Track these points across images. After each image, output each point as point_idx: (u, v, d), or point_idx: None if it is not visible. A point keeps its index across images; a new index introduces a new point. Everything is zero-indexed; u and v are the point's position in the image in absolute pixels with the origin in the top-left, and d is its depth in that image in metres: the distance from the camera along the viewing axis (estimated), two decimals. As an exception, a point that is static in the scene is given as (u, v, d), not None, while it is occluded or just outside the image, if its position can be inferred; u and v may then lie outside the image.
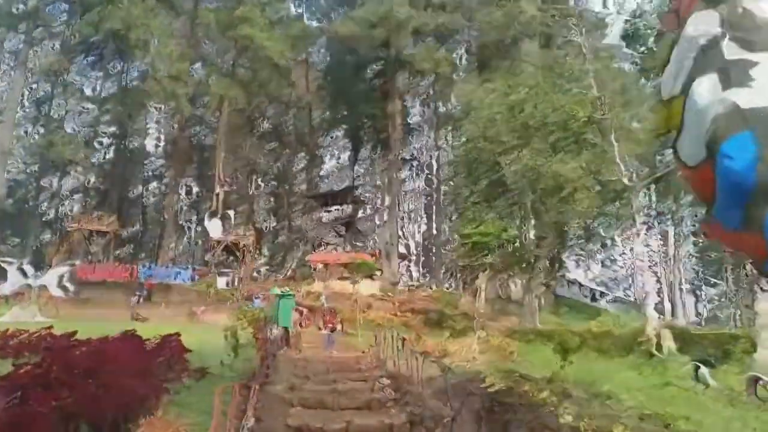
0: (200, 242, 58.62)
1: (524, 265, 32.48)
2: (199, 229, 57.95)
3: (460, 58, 53.65)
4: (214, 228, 49.16)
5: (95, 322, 21.48)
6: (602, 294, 47.89)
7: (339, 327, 26.08)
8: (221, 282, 43.32)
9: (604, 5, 42.67)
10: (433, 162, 55.36)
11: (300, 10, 62.25)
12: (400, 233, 54.06)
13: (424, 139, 57.43)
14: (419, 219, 56.49)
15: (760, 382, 13.26)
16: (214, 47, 53.65)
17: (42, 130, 57.28)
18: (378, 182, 57.65)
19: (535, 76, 30.83)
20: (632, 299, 46.59)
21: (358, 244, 53.04)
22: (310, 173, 60.55)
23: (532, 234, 32.60)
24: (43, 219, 58.06)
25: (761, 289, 18.77)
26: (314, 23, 61.08)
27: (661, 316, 32.85)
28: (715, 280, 46.61)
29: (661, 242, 46.07)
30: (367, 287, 40.78)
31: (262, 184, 60.60)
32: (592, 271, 50.95)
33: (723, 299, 45.31)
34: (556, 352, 17.29)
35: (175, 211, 56.22)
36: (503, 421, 11.89)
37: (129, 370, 10.05)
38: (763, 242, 1.82)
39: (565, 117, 27.20)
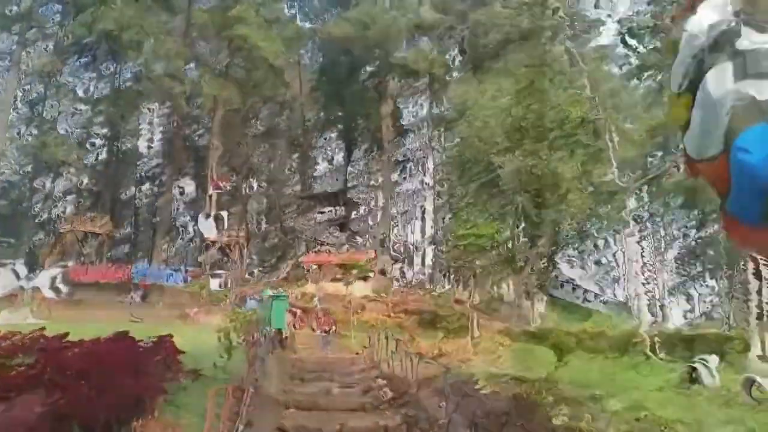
0: (194, 243, 58.39)
1: (517, 266, 32.52)
2: (192, 230, 57.74)
3: (453, 59, 53.62)
4: (208, 229, 49.04)
5: (88, 324, 21.35)
6: (595, 295, 47.93)
7: (333, 328, 26.06)
8: (214, 283, 43.19)
9: (596, 6, 42.72)
10: (427, 163, 55.26)
11: (293, 11, 62.15)
12: (394, 234, 53.99)
13: (418, 141, 57.35)
14: (413, 220, 56.38)
15: (755, 384, 13.29)
16: (209, 47, 53.49)
17: (35, 131, 57.01)
18: (371, 183, 57.55)
19: (528, 77, 30.87)
20: (624, 300, 46.66)
21: (351, 245, 52.94)
22: (303, 174, 60.41)
23: (524, 235, 32.67)
24: (36, 220, 57.77)
25: None
26: (307, 24, 60.97)
27: (654, 318, 32.95)
28: (707, 281, 46.69)
29: (652, 244, 46.17)
30: (360, 288, 40.73)
31: (256, 185, 60.43)
32: (585, 271, 50.98)
33: (715, 300, 45.38)
34: (552, 352, 17.31)
35: (169, 212, 56.01)
36: (498, 423, 11.87)
37: (122, 371, 10.00)
38: None
39: (560, 116, 27.26)
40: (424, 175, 55.20)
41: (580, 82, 25.75)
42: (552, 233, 35.90)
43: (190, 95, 53.29)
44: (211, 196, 50.36)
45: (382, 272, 46.87)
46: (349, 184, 58.95)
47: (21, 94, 58.43)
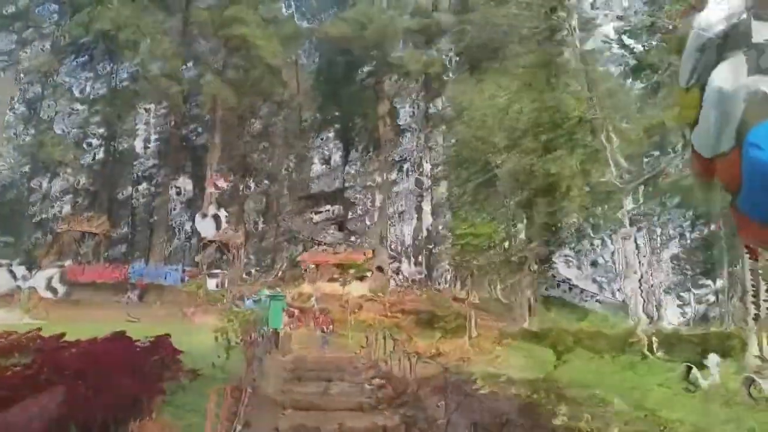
0: (191, 243, 58.31)
1: (514, 266, 32.51)
2: (189, 229, 57.66)
3: (450, 59, 53.63)
4: (206, 228, 48.96)
5: (85, 324, 21.30)
6: (591, 295, 47.98)
7: (331, 327, 26.04)
8: (211, 283, 43.12)
9: (593, 7, 42.71)
10: (424, 163, 55.27)
11: (290, 11, 62.05)
12: (391, 234, 54.01)
13: (414, 140, 57.38)
14: (410, 220, 56.39)
15: (754, 384, 13.31)
16: (207, 46, 53.43)
17: (32, 131, 56.87)
18: (369, 183, 57.54)
19: (526, 76, 30.85)
20: (620, 300, 46.70)
21: (348, 245, 52.92)
22: (300, 174, 60.38)
23: (522, 234, 32.66)
24: (34, 220, 57.62)
25: None
26: (304, 23, 60.93)
27: (650, 317, 32.97)
28: (704, 281, 46.75)
29: (649, 243, 46.20)
30: (357, 288, 40.72)
31: (253, 185, 60.36)
32: (582, 271, 51.02)
33: (712, 299, 45.42)
34: (550, 352, 17.30)
35: (166, 211, 55.91)
36: (498, 424, 11.85)
37: (120, 371, 9.95)
38: None
39: (558, 116, 27.25)
40: (421, 174, 55.22)
41: (579, 82, 25.77)
42: (549, 233, 35.92)
43: (188, 95, 53.25)
44: (209, 195, 50.27)
45: (380, 272, 46.83)
46: (347, 184, 58.98)
47: (18, 94, 58.32)
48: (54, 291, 37.71)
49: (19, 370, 10.13)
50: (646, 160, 33.00)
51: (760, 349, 18.66)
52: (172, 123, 56.25)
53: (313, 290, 39.70)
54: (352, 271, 41.88)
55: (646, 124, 27.42)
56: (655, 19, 29.29)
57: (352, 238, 54.82)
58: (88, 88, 60.15)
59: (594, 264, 50.90)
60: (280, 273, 48.95)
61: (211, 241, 48.53)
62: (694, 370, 16.11)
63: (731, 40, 1.94)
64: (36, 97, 58.69)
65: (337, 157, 61.27)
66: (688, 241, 47.39)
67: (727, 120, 1.92)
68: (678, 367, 17.11)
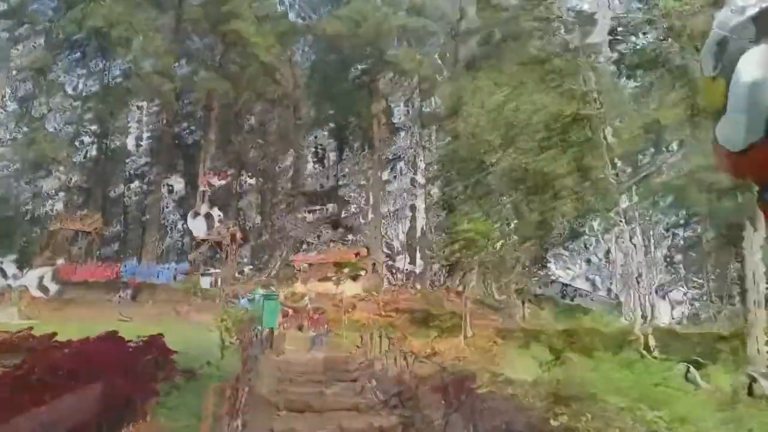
0: (183, 241, 58.05)
1: (509, 264, 32.45)
2: (182, 227, 57.40)
3: (444, 58, 53.55)
4: (198, 227, 48.70)
5: (77, 323, 21.09)
6: (585, 293, 48.02)
7: (325, 327, 25.90)
8: (204, 282, 42.87)
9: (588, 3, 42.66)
10: (418, 161, 55.20)
11: (283, 8, 61.79)
12: (385, 232, 53.90)
13: (409, 139, 57.31)
14: (404, 218, 56.31)
15: (754, 382, 13.27)
16: (202, 42, 53.20)
17: (25, 129, 56.41)
18: (362, 181, 57.43)
19: (521, 74, 30.75)
20: (613, 299, 46.77)
21: (342, 243, 52.79)
22: (294, 172, 60.17)
23: (516, 233, 32.59)
24: (26, 218, 57.18)
25: None
26: (299, 21, 60.71)
27: (644, 316, 32.93)
28: (696, 279, 46.89)
29: (642, 242, 46.23)
30: (350, 287, 40.56)
31: (246, 182, 60.16)
32: (575, 270, 51.09)
33: (705, 299, 45.55)
34: (546, 351, 17.22)
35: (158, 209, 55.63)
36: (494, 423, 11.75)
37: (112, 372, 9.78)
38: None
39: (552, 114, 27.16)
40: (415, 173, 55.16)
41: (574, 79, 25.72)
42: (543, 232, 35.88)
43: (180, 92, 53.00)
44: (201, 194, 50.01)
45: (374, 270, 46.72)
46: (341, 182, 58.83)
47: (10, 92, 57.86)
48: (45, 290, 37.38)
49: (9, 370, 9.96)
50: (640, 158, 33.00)
51: (758, 348, 18.65)
52: (164, 121, 55.96)
53: (306, 290, 39.53)
54: (346, 270, 41.72)
55: (640, 122, 27.40)
56: (650, 16, 29.23)
57: (346, 237, 54.72)
58: (80, 86, 59.78)
59: (588, 262, 51.00)
60: (274, 272, 48.76)
61: (203, 240, 48.29)
62: (692, 369, 16.07)
63: (758, 27, 1.82)
64: (28, 95, 58.23)
65: (331, 156, 61.12)
66: (681, 241, 47.55)
67: (757, 109, 1.80)
68: (675, 367, 17.07)
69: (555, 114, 27.11)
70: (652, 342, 20.74)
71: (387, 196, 55.43)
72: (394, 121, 56.68)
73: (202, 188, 50.20)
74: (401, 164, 57.18)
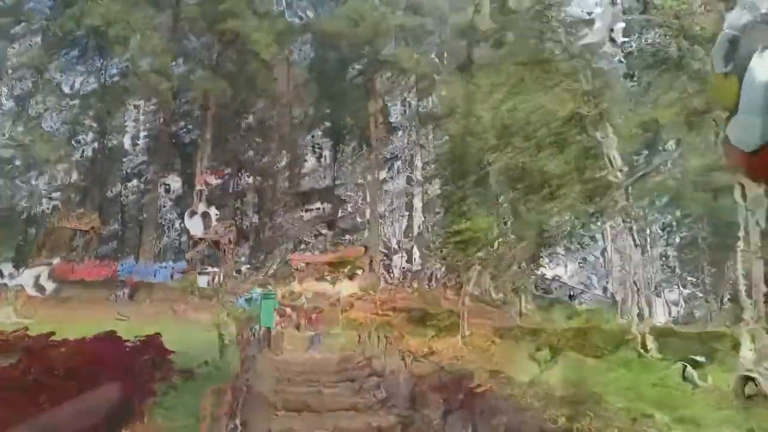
0: (181, 240, 57.94)
1: (506, 263, 32.45)
2: (179, 226, 57.28)
3: (441, 58, 53.53)
4: (195, 226, 48.60)
5: (74, 323, 21.02)
6: (582, 292, 48.10)
7: (323, 326, 25.92)
8: (202, 281, 42.79)
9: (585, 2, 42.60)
10: (415, 161, 55.21)
11: (280, 8, 61.68)
12: (382, 232, 53.88)
13: (406, 138, 57.30)
14: (401, 217, 56.31)
15: (750, 382, 13.25)
16: (199, 41, 53.10)
17: (21, 128, 56.21)
18: (359, 181, 57.41)
19: (519, 74, 30.70)
20: (609, 298, 46.82)
21: (339, 242, 52.80)
22: (292, 171, 60.09)
23: (513, 232, 32.58)
24: (23, 217, 57.01)
25: None
26: (296, 21, 60.56)
27: (640, 315, 32.96)
28: (691, 278, 46.94)
29: (638, 241, 46.23)
30: (347, 287, 40.57)
31: (245, 181, 60.08)
32: (572, 268, 51.12)
33: (701, 297, 45.60)
34: (544, 350, 17.21)
35: (155, 208, 55.53)
36: (492, 422, 11.72)
37: (110, 372, 9.74)
38: None
39: (550, 112, 27.13)
40: (413, 172, 55.15)
41: (572, 79, 25.68)
42: (540, 230, 35.87)
43: (177, 91, 52.89)
44: (199, 192, 49.90)
45: (371, 270, 46.71)
46: (338, 182, 58.78)
47: (6, 90, 57.67)
48: (42, 289, 37.28)
49: (5, 370, 9.91)
50: (635, 158, 33.00)
51: (753, 348, 18.63)
52: (161, 120, 55.89)
53: (303, 289, 39.52)
54: (344, 270, 41.73)
55: (638, 120, 27.41)
56: (648, 16, 29.21)
57: (343, 236, 54.73)
58: (78, 84, 59.61)
59: (584, 261, 51.01)
60: (271, 271, 48.72)
61: (201, 239, 48.20)
62: (689, 368, 16.05)
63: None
64: (25, 93, 58.05)
65: (327, 155, 61.05)
66: (677, 240, 47.58)
67: (764, 111, 1.80)
68: (672, 366, 17.04)
69: (553, 113, 27.07)
70: (649, 341, 20.73)
71: (384, 195, 55.42)
72: (391, 120, 56.64)
73: (198, 187, 50.08)
74: (398, 163, 57.18)
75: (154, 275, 44.27)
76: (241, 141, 58.50)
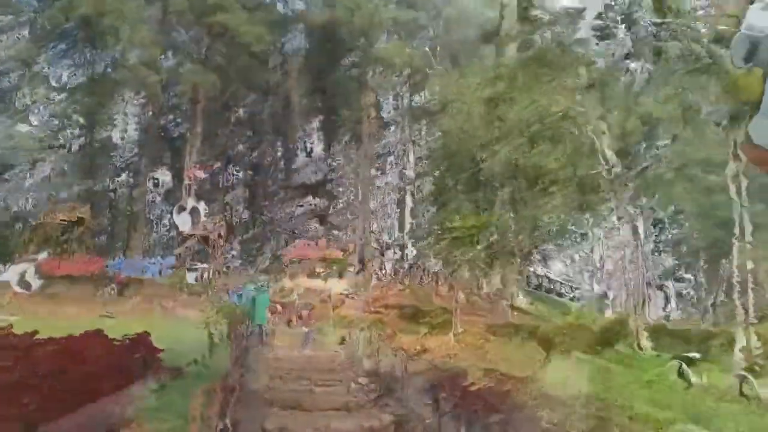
0: (170, 235, 57.54)
1: (498, 260, 32.36)
2: (168, 222, 56.86)
3: (434, 52, 53.35)
4: (183, 221, 48.20)
5: (60, 320, 20.69)
6: (574, 288, 48.15)
7: (314, 323, 25.72)
8: (191, 276, 42.45)
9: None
10: (408, 156, 55.03)
11: None
12: (373, 228, 53.69)
13: (398, 133, 57.08)
14: (393, 213, 56.14)
15: (746, 381, 13.17)
16: (188, 34, 52.64)
17: (8, 121, 55.61)
18: (351, 176, 57.19)
19: (513, 70, 30.59)
20: (602, 294, 46.92)
21: (331, 238, 52.57)
22: (283, 165, 59.81)
23: (506, 228, 32.47)
24: (11, 212, 56.40)
25: None
26: (289, 13, 60.13)
27: (635, 311, 33.00)
28: (686, 275, 47.09)
29: (632, 238, 46.34)
30: (338, 283, 40.41)
31: (234, 176, 59.72)
32: (564, 265, 51.18)
33: (694, 294, 45.75)
34: (538, 347, 17.07)
35: (144, 203, 55.12)
36: (486, 421, 11.54)
37: (99, 371, 9.48)
38: None
39: (545, 108, 27.02)
40: (405, 168, 54.97)
41: (568, 73, 25.60)
42: (534, 226, 35.80)
43: (166, 84, 52.46)
44: (188, 187, 49.51)
45: (362, 266, 46.54)
46: (329, 177, 58.51)
47: (-6, 83, 57.03)
48: (27, 286, 36.77)
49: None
50: (632, 153, 32.98)
51: (748, 347, 18.56)
52: (150, 113, 55.45)
53: (294, 285, 39.29)
54: (335, 267, 41.55)
55: (634, 117, 27.35)
56: (635, 9, 29.21)
57: (334, 232, 54.50)
58: (65, 77, 58.99)
59: (577, 258, 51.06)
60: (262, 266, 48.50)
61: (190, 235, 47.82)
62: (684, 366, 15.96)
63: None
64: (11, 87, 57.39)
65: (319, 149, 60.75)
66: (671, 236, 47.70)
67: None
68: (667, 363, 16.95)
69: (547, 108, 26.97)
70: (643, 338, 20.67)
71: (376, 190, 55.21)
72: (384, 116, 56.41)
73: (187, 182, 49.68)
74: (391, 158, 56.97)
75: (143, 271, 43.88)
76: (230, 135, 58.10)
